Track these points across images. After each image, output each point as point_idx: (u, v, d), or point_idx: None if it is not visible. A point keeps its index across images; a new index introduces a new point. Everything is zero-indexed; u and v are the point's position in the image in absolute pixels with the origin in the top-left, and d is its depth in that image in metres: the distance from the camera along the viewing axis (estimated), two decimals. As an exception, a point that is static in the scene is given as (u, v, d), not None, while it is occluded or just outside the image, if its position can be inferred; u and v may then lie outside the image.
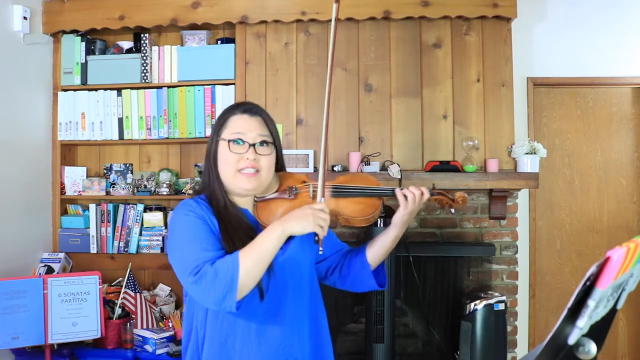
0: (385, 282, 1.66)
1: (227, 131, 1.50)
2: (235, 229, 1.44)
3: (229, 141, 1.48)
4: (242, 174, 1.47)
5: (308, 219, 1.33)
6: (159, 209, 3.50)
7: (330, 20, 3.33)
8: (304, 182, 1.56)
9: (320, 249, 1.37)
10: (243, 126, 1.50)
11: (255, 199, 1.53)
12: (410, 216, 1.54)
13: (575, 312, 0.77)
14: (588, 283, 0.75)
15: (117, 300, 2.97)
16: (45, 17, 3.44)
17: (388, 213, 2.64)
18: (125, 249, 3.46)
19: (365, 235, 3.16)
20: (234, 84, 3.41)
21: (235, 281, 1.28)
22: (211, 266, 1.32)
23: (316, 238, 1.36)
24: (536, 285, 3.56)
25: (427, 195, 1.53)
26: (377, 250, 1.59)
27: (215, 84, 3.41)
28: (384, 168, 3.28)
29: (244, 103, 1.57)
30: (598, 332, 0.83)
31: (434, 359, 3.42)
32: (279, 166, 1.58)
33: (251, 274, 1.31)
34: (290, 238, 1.40)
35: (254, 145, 1.48)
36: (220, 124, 1.53)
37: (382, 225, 2.95)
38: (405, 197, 1.51)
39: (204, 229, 1.42)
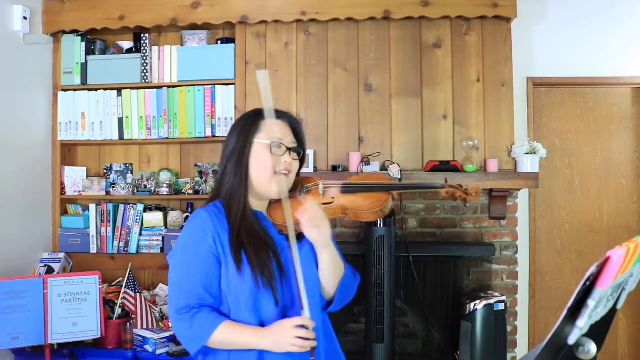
0: (336, 308, 1.59)
1: (264, 135, 1.54)
2: (249, 234, 1.48)
3: (271, 144, 1.52)
4: (277, 176, 1.51)
5: (280, 340, 1.40)
6: (159, 209, 3.50)
7: (331, 21, 3.35)
8: (316, 183, 1.62)
9: (312, 358, 1.42)
10: (281, 131, 1.55)
11: (270, 200, 1.58)
12: (310, 236, 1.48)
13: (575, 312, 0.77)
14: (588, 283, 0.75)
15: (117, 300, 2.97)
16: (45, 17, 3.44)
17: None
18: (125, 249, 3.46)
19: (365, 235, 3.16)
20: (234, 84, 3.41)
21: (202, 341, 1.44)
22: (191, 318, 1.45)
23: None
24: (536, 285, 3.56)
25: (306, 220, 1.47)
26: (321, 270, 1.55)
27: (215, 84, 3.41)
28: (384, 168, 3.28)
29: (280, 110, 1.60)
30: (598, 332, 0.83)
31: (434, 359, 3.42)
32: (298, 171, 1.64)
33: (216, 345, 1.46)
34: (305, 236, 1.50)
35: (290, 149, 1.54)
36: (254, 128, 1.55)
37: (381, 225, 2.96)
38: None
39: (199, 267, 1.47)
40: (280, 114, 1.59)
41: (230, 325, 1.45)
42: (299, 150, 1.59)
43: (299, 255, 1.52)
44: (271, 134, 1.53)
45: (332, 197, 1.57)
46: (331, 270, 1.53)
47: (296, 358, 1.44)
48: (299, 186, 1.61)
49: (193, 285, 1.47)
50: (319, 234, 1.47)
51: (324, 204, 1.56)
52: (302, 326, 1.40)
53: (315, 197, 1.57)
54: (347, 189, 1.57)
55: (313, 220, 1.45)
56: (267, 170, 1.51)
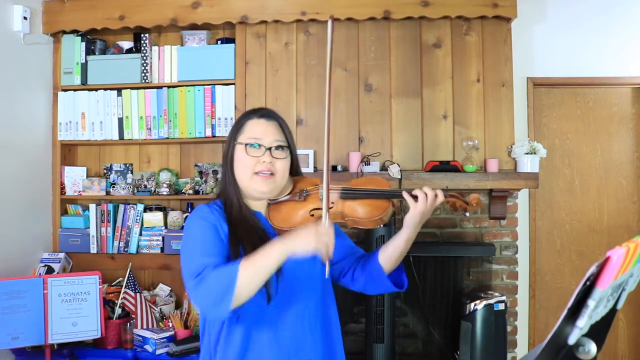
0: (405, 283, 1.62)
1: (244, 135, 1.54)
2: (246, 231, 1.49)
3: (245, 145, 1.52)
4: (258, 176, 1.50)
5: (310, 238, 1.34)
6: (159, 209, 3.50)
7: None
8: (316, 185, 1.58)
9: (327, 272, 1.40)
10: (260, 131, 1.54)
11: (269, 201, 1.57)
12: (422, 217, 1.51)
13: (575, 312, 0.77)
14: (588, 283, 0.75)
15: (117, 300, 2.98)
16: (46, 17, 3.44)
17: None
18: (125, 249, 3.46)
19: (365, 234, 3.16)
20: (234, 84, 3.41)
21: (232, 288, 1.31)
22: (212, 271, 1.36)
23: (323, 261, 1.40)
24: (536, 285, 3.56)
25: (441, 197, 1.51)
26: (389, 253, 1.56)
27: (215, 84, 3.41)
28: (384, 168, 3.28)
29: (261, 109, 1.61)
30: (598, 332, 0.83)
31: (434, 359, 3.42)
32: (294, 170, 1.62)
33: (248, 285, 1.33)
34: None
35: (270, 149, 1.52)
36: (237, 128, 1.57)
37: (381, 225, 2.95)
38: (415, 197, 1.49)
39: (211, 235, 1.46)
40: (262, 113, 1.58)
41: (248, 257, 1.36)
42: (284, 148, 1.55)
43: (294, 259, 1.52)
44: (250, 134, 1.53)
45: (332, 202, 1.52)
46: (400, 250, 1.54)
47: (295, 350, 1.44)
48: (299, 189, 1.58)
49: (214, 246, 1.43)
50: (422, 216, 1.50)
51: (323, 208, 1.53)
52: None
53: (315, 202, 1.54)
54: (347, 195, 1.53)
55: (429, 206, 1.48)
56: (245, 171, 1.51)
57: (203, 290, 1.35)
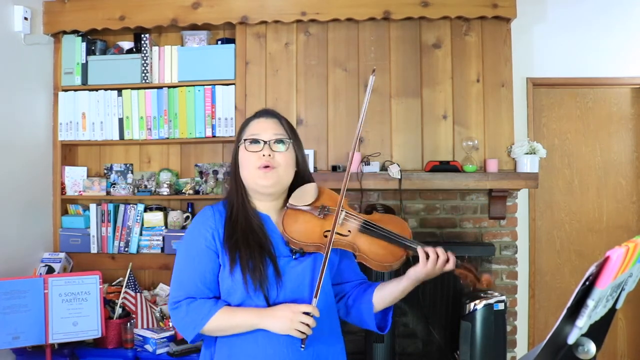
0: (387, 327, 1.62)
1: (245, 134, 1.58)
2: (245, 236, 1.50)
3: (245, 141, 1.55)
4: (259, 170, 1.52)
5: (285, 322, 1.41)
6: (159, 209, 3.51)
7: (331, 21, 3.36)
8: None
9: (302, 346, 1.43)
10: (259, 127, 1.57)
11: (288, 205, 1.56)
12: (426, 276, 1.50)
13: (574, 311, 0.77)
14: (587, 283, 0.76)
15: (118, 300, 2.98)
16: (46, 18, 3.45)
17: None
18: (126, 249, 3.47)
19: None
20: (234, 84, 3.41)
21: (200, 326, 1.46)
22: (187, 306, 1.48)
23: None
24: (536, 285, 3.57)
25: (451, 265, 1.50)
26: (384, 295, 1.57)
27: (215, 84, 3.42)
28: (384, 168, 3.28)
29: (261, 110, 1.65)
30: (597, 331, 0.83)
31: (434, 358, 3.42)
32: (301, 168, 1.62)
33: (213, 332, 1.48)
34: (308, 253, 1.51)
35: (268, 142, 1.54)
36: (240, 131, 1.61)
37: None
38: (427, 256, 1.48)
39: (200, 261, 1.51)
40: (261, 113, 1.62)
41: (230, 309, 1.46)
42: (285, 141, 1.56)
43: (297, 267, 1.51)
44: (250, 132, 1.57)
45: (349, 231, 1.50)
46: (395, 297, 1.56)
47: (288, 345, 1.45)
48: (321, 203, 1.55)
49: (191, 279, 1.50)
50: (427, 276, 1.50)
51: (339, 234, 1.49)
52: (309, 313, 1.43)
53: (332, 224, 1.50)
54: (366, 229, 1.51)
55: (437, 269, 1.49)
56: (247, 168, 1.54)
57: (176, 317, 1.50)
